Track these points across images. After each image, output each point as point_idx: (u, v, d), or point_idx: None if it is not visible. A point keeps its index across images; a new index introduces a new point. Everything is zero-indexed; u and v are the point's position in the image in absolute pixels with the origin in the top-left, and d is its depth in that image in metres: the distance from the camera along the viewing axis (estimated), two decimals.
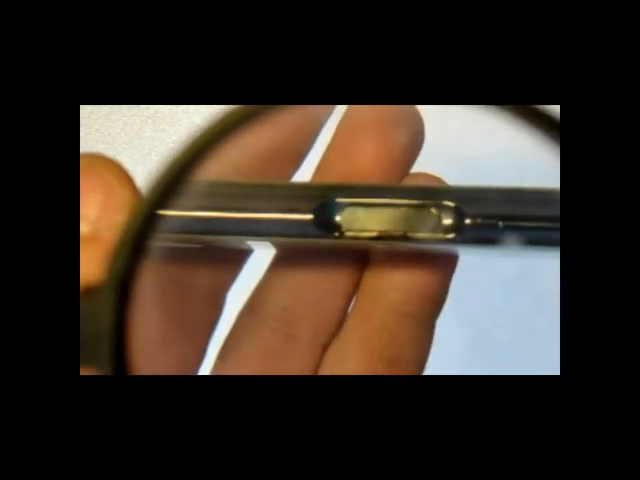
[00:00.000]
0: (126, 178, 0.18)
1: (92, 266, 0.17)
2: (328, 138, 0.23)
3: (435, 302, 0.22)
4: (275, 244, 0.22)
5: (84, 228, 0.18)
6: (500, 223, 0.20)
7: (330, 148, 0.23)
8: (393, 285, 0.22)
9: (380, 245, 0.21)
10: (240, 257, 0.23)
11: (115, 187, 0.18)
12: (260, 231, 0.21)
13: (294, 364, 0.23)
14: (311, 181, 0.23)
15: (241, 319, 0.23)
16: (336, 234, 0.21)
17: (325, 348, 0.23)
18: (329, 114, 0.23)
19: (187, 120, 0.38)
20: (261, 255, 0.23)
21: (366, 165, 0.22)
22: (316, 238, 0.21)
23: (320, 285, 0.23)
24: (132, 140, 0.39)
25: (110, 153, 0.19)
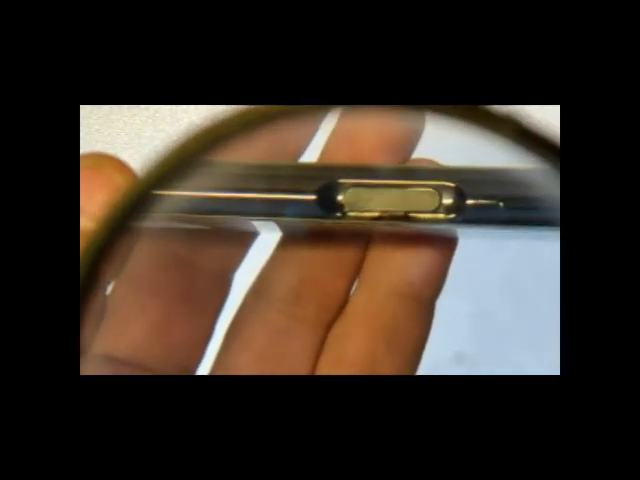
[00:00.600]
0: (133, 177, 0.19)
1: None
2: (331, 126, 0.23)
3: (435, 283, 0.23)
4: (281, 226, 0.22)
5: (90, 225, 0.18)
6: (501, 203, 0.20)
7: (333, 133, 0.23)
8: (394, 267, 0.23)
9: (382, 226, 0.21)
10: (247, 239, 0.23)
11: (122, 186, 0.18)
12: (263, 211, 0.21)
13: (298, 344, 0.23)
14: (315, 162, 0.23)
15: (247, 300, 0.24)
16: (339, 214, 0.21)
17: (329, 328, 0.23)
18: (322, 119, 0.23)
19: (187, 120, 0.38)
20: (268, 238, 0.23)
21: (368, 150, 0.22)
22: (319, 219, 0.21)
23: (324, 267, 0.23)
24: (132, 140, 0.39)
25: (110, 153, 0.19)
